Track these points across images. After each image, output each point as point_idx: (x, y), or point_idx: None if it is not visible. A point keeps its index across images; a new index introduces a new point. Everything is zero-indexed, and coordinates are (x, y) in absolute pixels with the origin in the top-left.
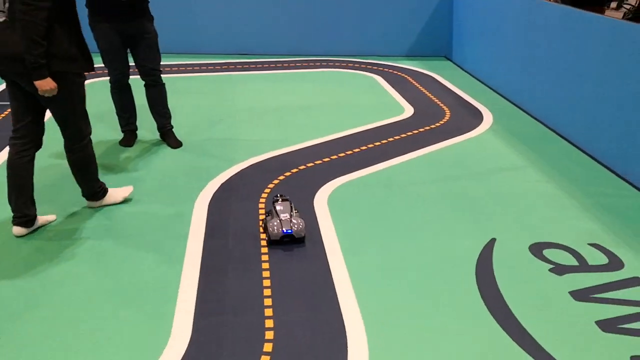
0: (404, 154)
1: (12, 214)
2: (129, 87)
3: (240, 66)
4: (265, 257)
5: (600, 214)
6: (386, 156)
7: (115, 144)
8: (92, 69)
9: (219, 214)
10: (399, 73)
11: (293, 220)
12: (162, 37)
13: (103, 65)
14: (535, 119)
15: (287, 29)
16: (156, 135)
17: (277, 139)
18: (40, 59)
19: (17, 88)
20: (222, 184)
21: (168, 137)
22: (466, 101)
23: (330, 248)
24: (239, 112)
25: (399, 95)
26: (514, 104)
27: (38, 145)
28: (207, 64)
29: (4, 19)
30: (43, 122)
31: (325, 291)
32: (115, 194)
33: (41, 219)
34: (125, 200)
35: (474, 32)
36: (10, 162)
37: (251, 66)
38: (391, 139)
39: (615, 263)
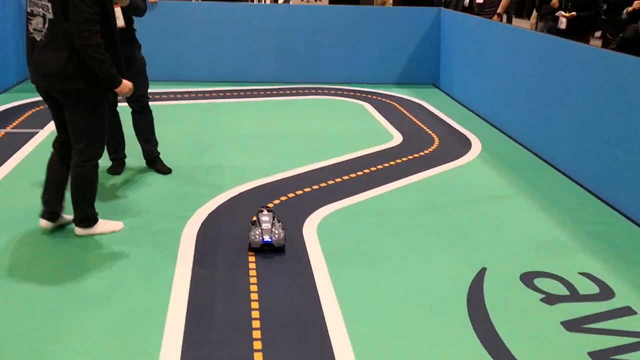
0: (393, 182)
1: (41, 209)
2: (117, 114)
3: (229, 93)
4: (254, 288)
5: (590, 243)
6: (375, 184)
7: (103, 171)
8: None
9: (207, 242)
10: (388, 100)
11: (273, 230)
12: (150, 65)
13: None
14: (524, 146)
15: (276, 56)
16: (144, 163)
17: (266, 167)
18: (112, 70)
19: (55, 105)
20: (211, 212)
21: (156, 164)
22: (454, 129)
23: (319, 277)
24: (228, 139)
25: (388, 122)
26: (502, 132)
27: None
28: (195, 91)
29: (40, 38)
30: None
31: (315, 322)
32: (105, 225)
33: (64, 217)
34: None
35: (461, 60)
36: (50, 162)
37: (240, 94)
38: (380, 167)
39: (606, 292)
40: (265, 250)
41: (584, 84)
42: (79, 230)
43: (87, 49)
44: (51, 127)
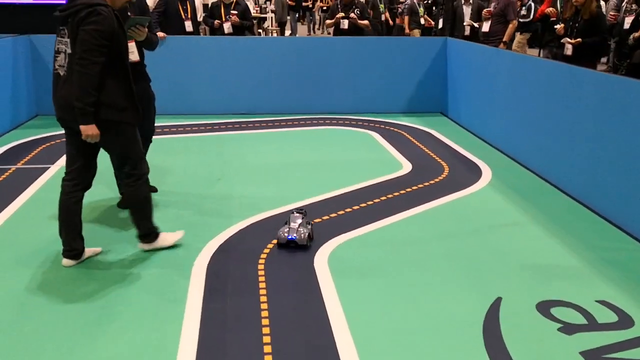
0: (403, 211)
1: (62, 248)
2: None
3: (237, 126)
4: (265, 322)
5: (605, 269)
6: (386, 213)
7: (113, 205)
8: (141, 119)
9: (217, 275)
10: (396, 129)
11: (299, 229)
12: (158, 99)
13: None
14: (534, 173)
15: (283, 88)
16: (156, 195)
17: (275, 198)
18: (88, 107)
19: (74, 135)
20: (221, 245)
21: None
22: (464, 156)
23: (332, 311)
24: (237, 171)
25: (397, 151)
26: (511, 159)
27: (87, 186)
28: (203, 124)
29: (63, 73)
30: (94, 166)
31: (328, 355)
32: (166, 237)
33: (88, 251)
34: (176, 245)
35: (468, 88)
36: (61, 202)
37: (248, 125)
38: (390, 196)
39: (625, 321)
40: (291, 246)
41: (593, 109)
42: (142, 245)
43: (82, 75)
44: (61, 162)
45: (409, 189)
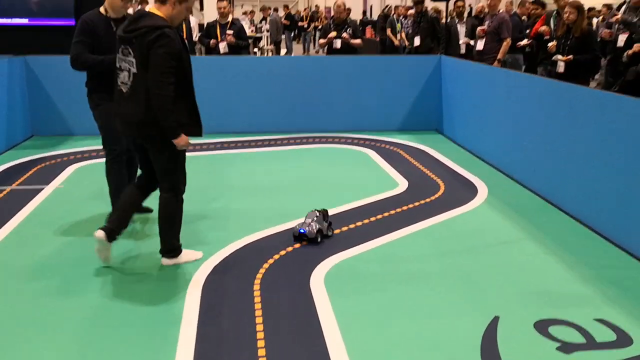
0: (400, 229)
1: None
2: (129, 161)
3: (233, 144)
4: (261, 343)
5: (603, 287)
6: (382, 232)
7: None
8: (201, 133)
9: (213, 297)
10: (391, 147)
11: (311, 224)
12: None
13: (102, 146)
14: (530, 190)
15: (279, 107)
16: (152, 215)
17: (272, 216)
18: (173, 122)
19: (140, 150)
20: (216, 265)
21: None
22: (459, 174)
23: (328, 330)
24: (234, 190)
25: (393, 169)
26: (507, 176)
27: (151, 189)
28: (199, 143)
29: (126, 90)
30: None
31: None
32: (188, 254)
33: (108, 252)
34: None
35: (463, 106)
36: (129, 195)
37: (244, 144)
38: (386, 214)
39: (623, 339)
40: (304, 239)
41: (588, 126)
42: (165, 261)
43: (159, 97)
44: (55, 184)
45: (405, 207)
